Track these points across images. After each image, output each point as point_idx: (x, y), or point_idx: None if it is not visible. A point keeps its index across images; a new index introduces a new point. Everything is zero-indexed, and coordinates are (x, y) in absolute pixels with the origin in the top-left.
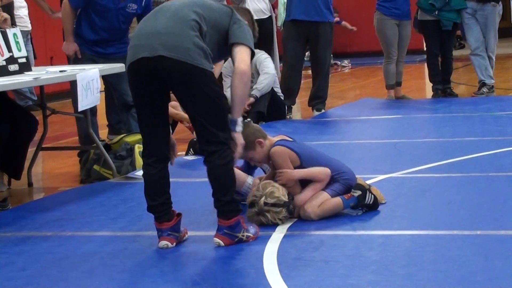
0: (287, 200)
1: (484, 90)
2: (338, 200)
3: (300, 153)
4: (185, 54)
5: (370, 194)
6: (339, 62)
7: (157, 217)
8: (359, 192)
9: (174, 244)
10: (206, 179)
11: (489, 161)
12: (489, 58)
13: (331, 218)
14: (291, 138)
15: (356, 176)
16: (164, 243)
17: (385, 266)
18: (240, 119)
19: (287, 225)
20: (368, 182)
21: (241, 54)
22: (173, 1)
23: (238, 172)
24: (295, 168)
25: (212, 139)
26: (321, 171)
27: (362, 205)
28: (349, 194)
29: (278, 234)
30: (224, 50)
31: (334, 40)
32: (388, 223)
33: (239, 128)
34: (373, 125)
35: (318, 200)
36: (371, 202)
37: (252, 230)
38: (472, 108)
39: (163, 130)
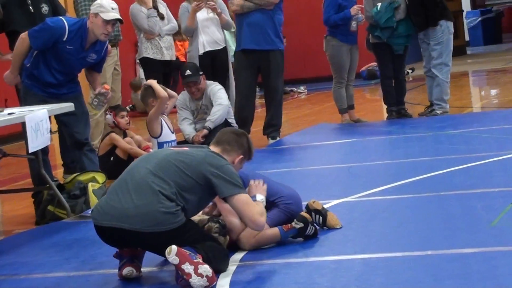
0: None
1: (429, 110)
2: (275, 231)
3: (243, 177)
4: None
5: (312, 226)
6: (295, 89)
7: None
8: (301, 225)
9: (138, 273)
10: None
11: (440, 181)
12: (435, 76)
13: (284, 245)
14: None
15: (313, 200)
16: (129, 269)
17: None
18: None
19: (239, 256)
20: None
21: (243, 210)
22: None
23: None
24: None
25: None
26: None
27: (302, 236)
28: (289, 225)
29: (231, 267)
30: None
31: (289, 66)
32: (340, 248)
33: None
34: (327, 150)
35: (254, 231)
36: (311, 233)
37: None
38: (426, 128)
39: None
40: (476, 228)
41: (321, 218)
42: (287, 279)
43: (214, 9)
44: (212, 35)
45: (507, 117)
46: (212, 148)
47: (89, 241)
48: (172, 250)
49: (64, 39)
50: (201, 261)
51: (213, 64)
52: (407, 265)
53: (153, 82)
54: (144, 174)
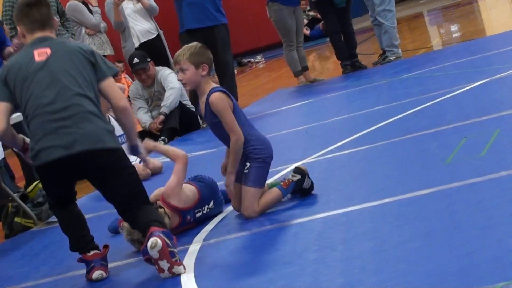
0: None
1: (383, 58)
2: (276, 191)
3: (234, 103)
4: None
5: (308, 178)
6: (253, 59)
7: (84, 250)
8: (298, 177)
9: (107, 274)
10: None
11: (395, 127)
12: (382, 23)
13: (243, 219)
14: None
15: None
16: (99, 272)
17: (298, 255)
18: (138, 142)
19: (203, 235)
20: (282, 173)
21: (113, 90)
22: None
23: None
24: None
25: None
26: (178, 154)
27: (300, 190)
28: (287, 181)
29: (195, 246)
30: None
31: (243, 38)
32: (300, 210)
33: (142, 149)
34: (285, 115)
35: (253, 197)
36: (308, 187)
37: None
38: (380, 77)
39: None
40: (431, 169)
41: None
42: (249, 251)
43: None
44: (143, 25)
45: (458, 52)
46: (41, 34)
47: (56, 246)
48: (157, 246)
49: None
50: (178, 261)
51: (151, 54)
52: (366, 217)
53: None
54: (71, 101)
